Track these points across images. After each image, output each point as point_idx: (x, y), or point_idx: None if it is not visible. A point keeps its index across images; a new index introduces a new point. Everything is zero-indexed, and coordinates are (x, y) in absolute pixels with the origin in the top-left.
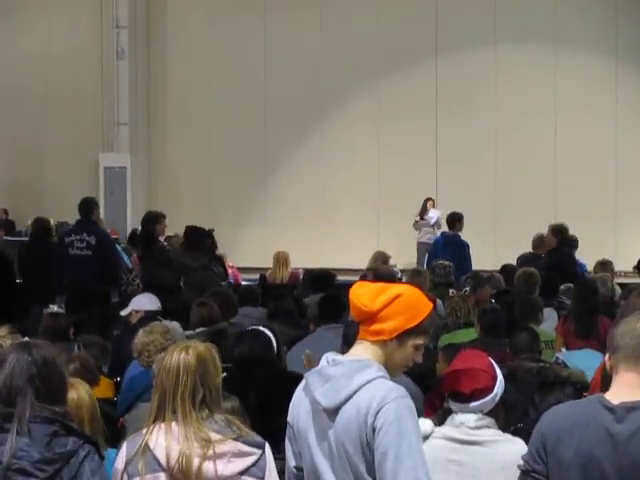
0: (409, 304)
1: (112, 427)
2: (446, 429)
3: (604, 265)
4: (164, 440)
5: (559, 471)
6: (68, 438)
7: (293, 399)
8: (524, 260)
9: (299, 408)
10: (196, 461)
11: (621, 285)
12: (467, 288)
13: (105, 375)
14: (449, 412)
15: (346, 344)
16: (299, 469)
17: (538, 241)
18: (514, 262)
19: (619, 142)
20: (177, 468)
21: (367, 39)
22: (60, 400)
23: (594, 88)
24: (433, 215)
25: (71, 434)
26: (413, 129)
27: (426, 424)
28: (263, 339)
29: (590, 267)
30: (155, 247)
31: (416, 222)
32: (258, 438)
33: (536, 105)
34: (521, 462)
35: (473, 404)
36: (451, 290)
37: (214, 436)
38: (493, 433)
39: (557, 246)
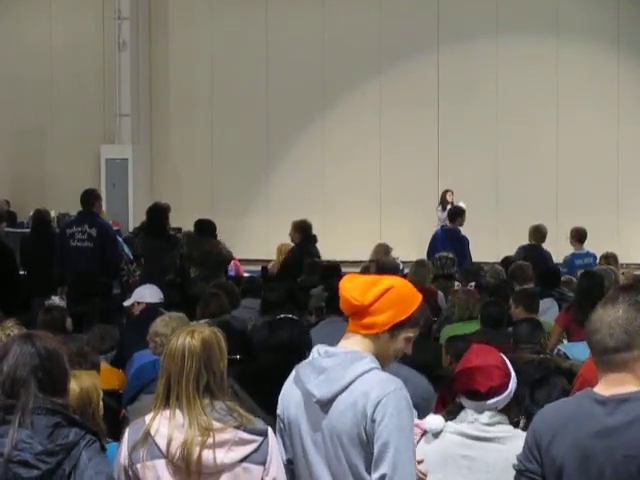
0: (400, 297)
1: (113, 419)
2: (459, 425)
3: (608, 258)
4: (165, 428)
5: (555, 469)
6: (70, 429)
7: (282, 391)
8: (525, 252)
9: (289, 400)
10: (196, 450)
11: None
12: (472, 283)
13: (112, 365)
14: (461, 408)
15: None
16: (291, 462)
17: (534, 232)
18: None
19: (621, 133)
20: (178, 456)
21: (369, 30)
22: (62, 392)
23: (596, 79)
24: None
25: (73, 425)
26: (415, 120)
27: (438, 420)
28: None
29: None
30: (172, 238)
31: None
32: (260, 425)
33: (538, 96)
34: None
35: (489, 402)
36: (456, 283)
37: (215, 424)
38: (507, 429)
39: (300, 242)
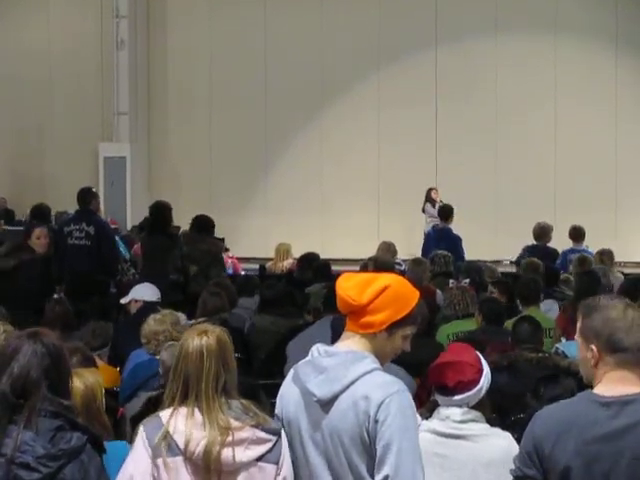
0: (397, 295)
1: (112, 417)
2: (432, 422)
3: (603, 254)
4: (184, 426)
5: (559, 475)
6: (72, 433)
7: (281, 391)
8: (531, 251)
9: (288, 399)
10: (216, 448)
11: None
12: (467, 280)
13: (108, 363)
14: (436, 405)
15: (335, 338)
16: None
17: (540, 231)
18: (517, 253)
19: (619, 131)
20: (197, 455)
21: (367, 28)
22: (67, 392)
23: (594, 78)
24: None
25: (75, 429)
26: (413, 119)
27: None
28: None
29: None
30: (173, 237)
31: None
32: (274, 424)
33: (536, 95)
34: (508, 459)
35: (457, 397)
36: (451, 281)
37: (233, 423)
38: (480, 427)
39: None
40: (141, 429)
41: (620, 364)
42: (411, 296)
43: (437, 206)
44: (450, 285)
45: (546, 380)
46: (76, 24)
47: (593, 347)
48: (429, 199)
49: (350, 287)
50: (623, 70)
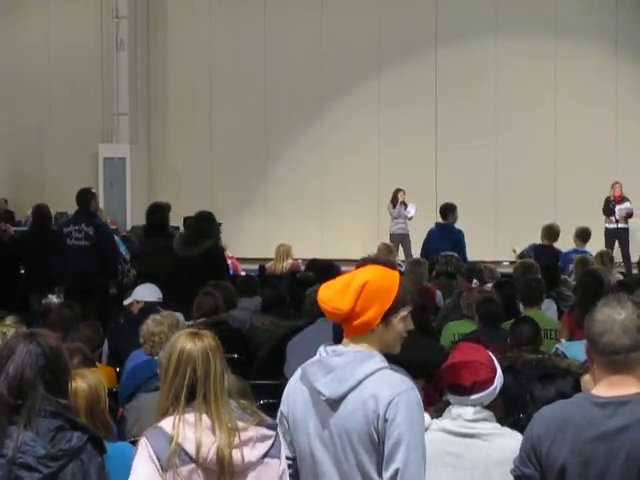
0: (378, 286)
1: (112, 418)
2: (444, 422)
3: (603, 256)
4: (192, 433)
5: (555, 474)
6: (72, 433)
7: (287, 390)
8: (537, 250)
9: (295, 399)
10: (227, 451)
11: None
12: (490, 284)
13: (108, 364)
14: (447, 405)
15: (336, 339)
16: (292, 459)
17: (548, 231)
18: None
19: (619, 132)
20: (210, 460)
21: (367, 28)
22: (65, 391)
23: (594, 78)
24: (411, 209)
25: (75, 429)
26: (413, 119)
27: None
28: None
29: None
30: (172, 238)
31: (402, 213)
32: (271, 419)
33: (536, 95)
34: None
35: (473, 397)
36: (475, 281)
37: (239, 423)
38: (491, 427)
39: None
40: (144, 441)
41: (613, 367)
42: (391, 281)
43: (397, 207)
44: (473, 285)
45: (542, 381)
46: (76, 24)
47: (590, 351)
48: (393, 199)
49: (331, 298)
50: (623, 71)
